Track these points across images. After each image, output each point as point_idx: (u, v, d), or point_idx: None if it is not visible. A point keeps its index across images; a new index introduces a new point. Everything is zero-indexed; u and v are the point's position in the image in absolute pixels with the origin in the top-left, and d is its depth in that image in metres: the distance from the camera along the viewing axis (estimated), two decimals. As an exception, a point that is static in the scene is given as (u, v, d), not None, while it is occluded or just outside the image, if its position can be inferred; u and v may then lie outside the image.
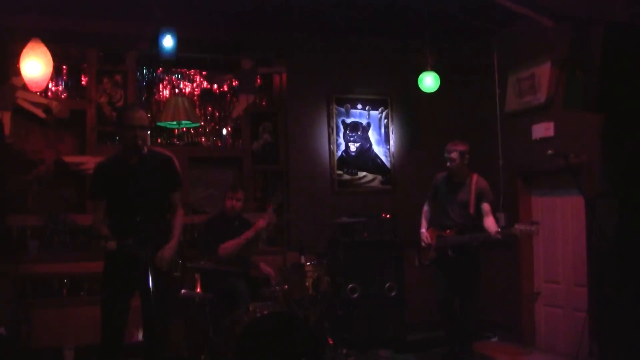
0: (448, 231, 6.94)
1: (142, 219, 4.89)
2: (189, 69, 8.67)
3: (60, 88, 8.05)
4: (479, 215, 6.89)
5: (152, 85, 8.51)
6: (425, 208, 7.31)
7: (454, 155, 6.91)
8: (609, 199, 6.31)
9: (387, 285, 7.99)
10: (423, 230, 7.18)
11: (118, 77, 8.15)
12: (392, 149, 9.13)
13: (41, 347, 7.19)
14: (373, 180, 9.04)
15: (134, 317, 5.23)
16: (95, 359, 5.16)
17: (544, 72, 7.68)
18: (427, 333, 7.94)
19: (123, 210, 5.00)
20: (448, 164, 6.96)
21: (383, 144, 9.12)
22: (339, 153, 8.90)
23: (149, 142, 5.22)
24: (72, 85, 8.12)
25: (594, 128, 6.82)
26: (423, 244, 7.08)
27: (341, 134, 8.93)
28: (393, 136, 9.15)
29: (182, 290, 6.63)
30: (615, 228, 6.11)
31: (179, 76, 8.64)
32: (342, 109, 8.94)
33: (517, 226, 6.48)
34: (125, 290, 5.06)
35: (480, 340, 7.78)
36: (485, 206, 6.86)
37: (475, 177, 7.00)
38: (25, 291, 7.41)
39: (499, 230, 6.59)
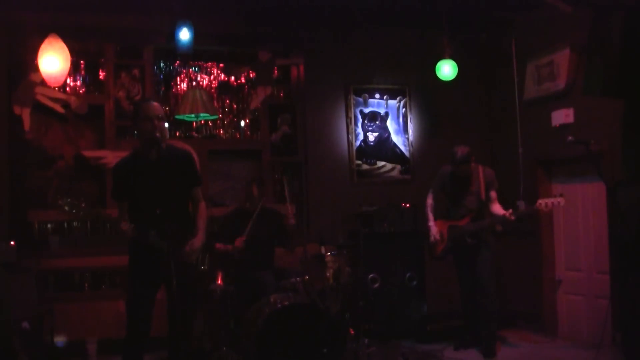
0: (463, 220, 7.01)
1: (163, 212, 4.91)
2: (206, 62, 8.66)
3: (78, 83, 8.08)
4: (487, 202, 7.02)
5: (169, 79, 8.51)
6: (430, 201, 7.37)
7: (468, 160, 7.02)
8: (631, 186, 6.26)
9: (408, 275, 7.98)
10: (432, 224, 7.22)
11: (136, 71, 8.18)
12: (411, 138, 9.10)
13: (65, 340, 7.23)
14: (392, 169, 9.02)
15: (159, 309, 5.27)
16: (118, 352, 5.18)
17: (563, 58, 7.62)
18: (449, 322, 7.92)
19: (144, 206, 5.01)
20: (464, 171, 7.01)
21: (402, 133, 9.09)
22: (358, 143, 8.88)
23: (167, 135, 5.20)
24: (90, 80, 8.14)
25: (614, 114, 6.77)
26: (432, 239, 7.13)
27: (359, 124, 8.91)
28: (412, 125, 9.12)
29: (212, 284, 6.69)
30: (637, 215, 6.05)
31: (196, 69, 8.64)
32: (360, 99, 8.92)
33: (540, 201, 6.56)
34: (150, 283, 5.07)
35: (502, 328, 7.74)
36: (493, 193, 7.04)
37: (480, 167, 7.13)
38: (47, 286, 7.48)
39: (510, 212, 6.68)
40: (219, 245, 7.02)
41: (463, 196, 7.09)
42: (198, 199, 5.35)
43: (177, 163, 5.17)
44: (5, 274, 6.76)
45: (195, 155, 5.57)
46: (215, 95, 8.62)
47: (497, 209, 6.94)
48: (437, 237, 7.15)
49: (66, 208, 4.78)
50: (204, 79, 8.66)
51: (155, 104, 5.13)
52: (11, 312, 6.59)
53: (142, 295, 5.07)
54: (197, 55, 8.30)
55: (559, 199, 6.55)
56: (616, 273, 6.72)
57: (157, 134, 4.97)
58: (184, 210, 5.27)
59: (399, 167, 9.04)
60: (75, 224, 7.79)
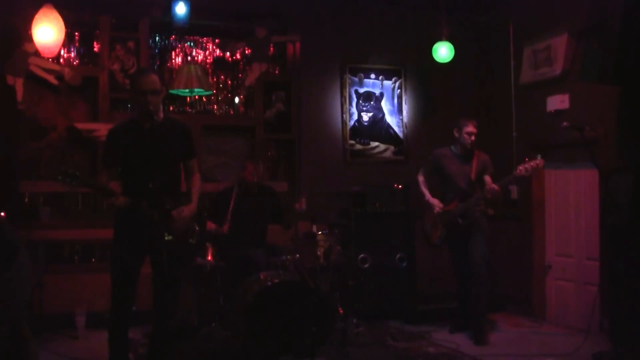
0: (452, 204, 7.04)
1: (155, 183, 4.88)
2: (202, 37, 8.61)
3: (72, 55, 8.02)
4: (481, 185, 7.01)
5: (164, 53, 8.47)
6: (421, 178, 7.36)
7: (474, 136, 7.02)
8: (624, 174, 6.27)
9: (398, 255, 7.99)
10: (429, 197, 7.21)
11: (131, 44, 8.12)
12: (405, 119, 9.09)
13: (53, 312, 7.24)
14: (385, 150, 9.01)
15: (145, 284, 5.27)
16: (106, 325, 5.19)
17: (560, 43, 7.60)
18: (438, 304, 7.96)
19: (136, 175, 4.99)
20: (468, 142, 6.98)
21: (396, 114, 9.08)
22: (352, 123, 8.86)
23: (161, 108, 5.15)
24: (85, 52, 8.09)
25: (610, 101, 6.76)
26: (437, 209, 7.09)
27: (354, 104, 8.88)
28: (406, 106, 9.10)
29: (197, 258, 6.68)
30: (629, 202, 6.07)
31: (192, 44, 8.59)
32: (356, 79, 8.89)
33: (520, 167, 6.58)
34: (135, 255, 5.07)
35: (491, 312, 7.77)
36: (487, 178, 7.05)
37: (476, 150, 7.12)
38: (37, 257, 7.45)
39: (496, 187, 6.71)
40: (210, 225, 6.97)
41: (459, 178, 7.06)
42: (192, 171, 5.37)
43: (172, 134, 5.15)
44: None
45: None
46: (210, 70, 8.59)
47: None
48: (440, 206, 7.12)
49: (59, 178, 4.68)
50: (199, 54, 8.61)
51: (152, 76, 5.06)
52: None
53: (127, 268, 5.06)
54: (193, 29, 8.26)
55: (537, 161, 6.54)
56: (606, 260, 6.75)
57: (150, 108, 4.94)
58: (176, 182, 5.26)
59: (392, 147, 9.04)
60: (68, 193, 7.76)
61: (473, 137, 6.99)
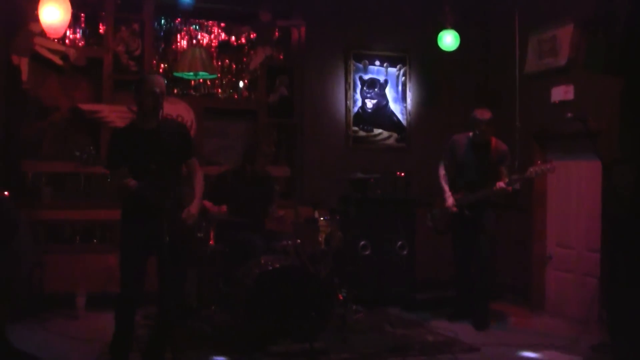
0: (460, 193, 7.03)
1: (157, 183, 4.92)
2: (207, 20, 8.60)
3: (77, 35, 8.02)
4: (496, 176, 6.95)
5: (169, 35, 8.46)
6: (442, 172, 7.30)
7: (487, 126, 6.99)
8: (627, 165, 6.25)
9: (399, 243, 7.99)
10: (448, 195, 7.16)
11: (136, 26, 8.10)
12: (409, 107, 9.07)
13: (54, 292, 7.27)
14: (388, 137, 9.01)
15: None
16: (106, 306, 5.19)
17: (565, 33, 7.57)
18: (437, 292, 7.95)
19: (139, 175, 5.01)
20: (483, 133, 6.99)
21: (400, 101, 9.06)
22: (355, 109, 8.85)
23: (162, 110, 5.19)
24: (90, 33, 8.08)
25: (614, 92, 6.73)
26: (451, 210, 7.08)
27: (358, 90, 8.87)
28: (410, 94, 9.08)
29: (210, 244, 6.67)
30: (631, 194, 6.05)
31: (197, 27, 8.58)
32: (360, 65, 8.87)
33: (531, 169, 6.65)
34: (144, 245, 5.07)
35: (490, 301, 7.78)
36: (503, 169, 7.02)
37: (494, 139, 7.08)
38: (38, 237, 7.47)
39: (504, 185, 6.75)
40: (208, 204, 6.95)
41: (473, 167, 7.05)
42: (194, 170, 5.42)
43: (172, 135, 5.18)
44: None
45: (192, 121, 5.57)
46: (214, 54, 8.57)
47: (499, 183, 6.89)
48: (454, 208, 7.09)
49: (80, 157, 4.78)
50: (204, 37, 8.60)
51: (160, 78, 5.21)
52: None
53: (135, 257, 5.07)
54: (198, 12, 8.23)
55: (550, 166, 6.66)
56: (607, 252, 6.75)
57: (158, 109, 4.99)
58: (177, 181, 5.29)
59: (395, 135, 9.03)
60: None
61: (486, 127, 6.97)
